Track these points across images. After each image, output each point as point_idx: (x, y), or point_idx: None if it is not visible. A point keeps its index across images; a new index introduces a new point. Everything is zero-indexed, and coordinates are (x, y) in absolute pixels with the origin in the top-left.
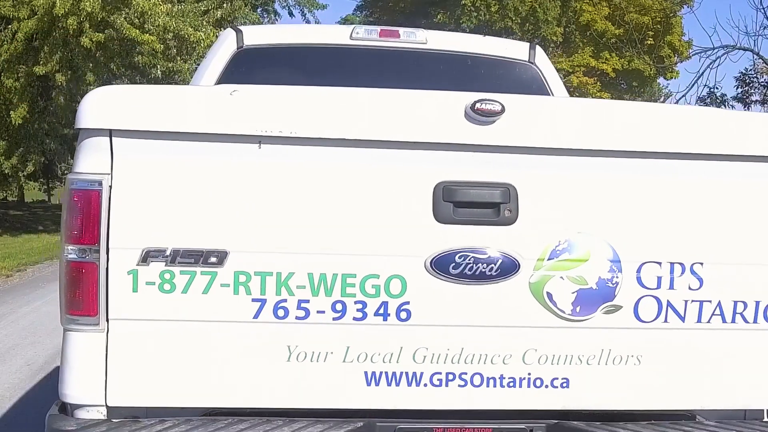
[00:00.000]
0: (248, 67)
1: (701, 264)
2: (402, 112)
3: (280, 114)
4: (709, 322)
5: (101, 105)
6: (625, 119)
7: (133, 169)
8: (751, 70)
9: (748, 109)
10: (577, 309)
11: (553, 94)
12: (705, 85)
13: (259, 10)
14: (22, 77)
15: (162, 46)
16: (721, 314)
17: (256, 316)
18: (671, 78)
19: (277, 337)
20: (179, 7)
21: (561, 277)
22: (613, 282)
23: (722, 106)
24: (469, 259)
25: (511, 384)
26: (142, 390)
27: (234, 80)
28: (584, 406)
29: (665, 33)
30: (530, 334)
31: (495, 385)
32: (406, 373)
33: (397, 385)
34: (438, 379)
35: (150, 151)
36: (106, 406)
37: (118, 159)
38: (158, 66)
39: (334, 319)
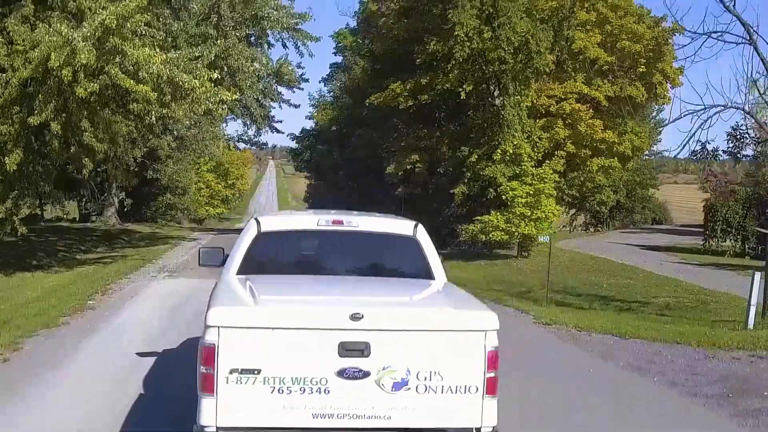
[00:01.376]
0: (264, 243)
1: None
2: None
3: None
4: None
5: (215, 316)
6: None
7: (227, 338)
8: (742, 125)
9: (738, 162)
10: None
11: (427, 258)
12: (698, 141)
13: (252, 37)
14: (16, 122)
15: (156, 93)
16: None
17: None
18: (663, 104)
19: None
20: (174, 54)
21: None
22: (403, 379)
23: (714, 160)
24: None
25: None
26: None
27: (257, 252)
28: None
29: (657, 60)
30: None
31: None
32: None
33: None
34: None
35: (232, 333)
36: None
37: (222, 336)
38: (153, 112)
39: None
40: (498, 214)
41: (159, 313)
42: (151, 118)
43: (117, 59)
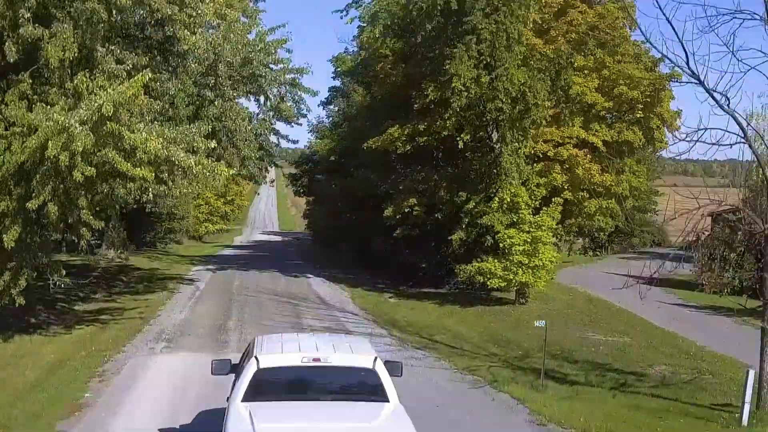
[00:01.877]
0: (261, 375)
1: None
2: None
3: None
4: None
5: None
6: None
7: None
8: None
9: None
10: None
11: (383, 385)
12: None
13: (252, 99)
14: (14, 199)
15: (153, 173)
16: None
17: None
18: (660, 148)
19: None
20: (171, 133)
21: None
22: None
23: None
24: None
25: None
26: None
27: (256, 382)
28: None
29: (654, 104)
30: None
31: None
32: None
33: None
34: None
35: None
36: None
37: None
38: (150, 189)
39: None
40: (495, 261)
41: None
42: (148, 195)
43: (115, 140)
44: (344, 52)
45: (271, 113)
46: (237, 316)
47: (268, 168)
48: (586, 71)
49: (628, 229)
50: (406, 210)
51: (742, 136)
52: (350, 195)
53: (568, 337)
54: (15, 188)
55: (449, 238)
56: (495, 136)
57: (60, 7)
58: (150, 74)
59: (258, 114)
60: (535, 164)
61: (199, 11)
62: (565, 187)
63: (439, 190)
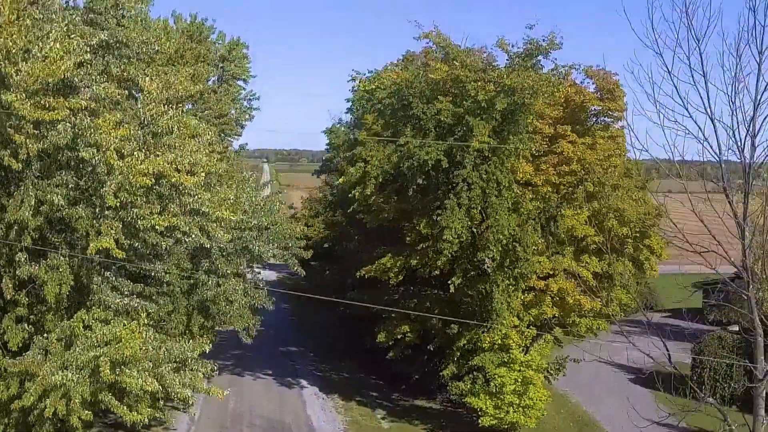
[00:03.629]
0: None
1: None
2: None
3: None
4: None
5: None
6: None
7: None
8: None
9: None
10: None
11: None
12: None
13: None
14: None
15: (149, 411)
16: None
17: None
18: (652, 275)
19: None
20: (167, 371)
21: None
22: None
23: None
24: None
25: None
26: None
27: None
28: None
29: (644, 237)
30: None
31: None
32: None
33: None
34: None
35: None
36: None
37: None
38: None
39: None
40: (487, 398)
41: None
42: (143, 419)
43: (111, 387)
44: (338, 122)
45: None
46: None
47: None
48: (575, 203)
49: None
50: (399, 337)
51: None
52: (344, 288)
53: None
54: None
55: (440, 372)
56: (486, 280)
57: (57, 231)
58: (149, 308)
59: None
60: (525, 294)
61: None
62: (557, 316)
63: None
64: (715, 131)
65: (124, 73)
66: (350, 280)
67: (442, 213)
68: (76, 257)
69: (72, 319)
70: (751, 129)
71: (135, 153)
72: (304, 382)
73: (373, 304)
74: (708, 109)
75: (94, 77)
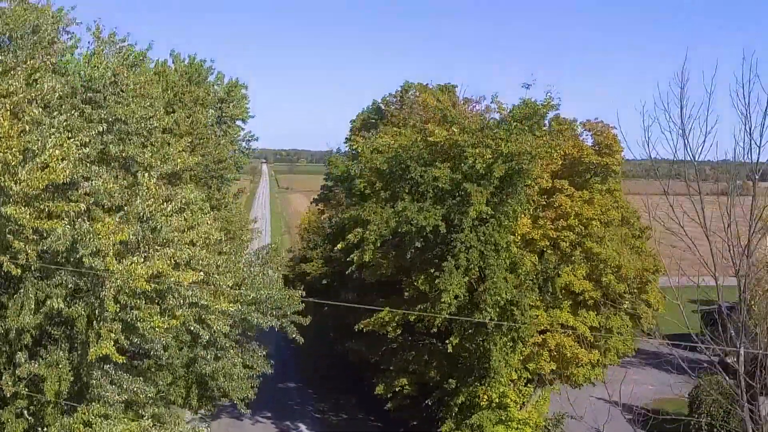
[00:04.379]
0: None
1: None
2: None
3: None
4: None
5: None
6: None
7: None
8: None
9: None
10: None
11: None
12: None
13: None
14: None
15: None
16: None
17: None
18: (649, 329)
19: None
20: None
21: None
22: None
23: None
24: None
25: None
26: None
27: None
28: None
29: (641, 292)
30: None
31: None
32: None
33: None
34: None
35: None
36: None
37: None
38: None
39: None
40: None
41: None
42: None
43: None
44: (337, 151)
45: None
46: None
47: None
48: (573, 257)
49: None
50: (397, 389)
51: None
52: (342, 326)
53: None
54: None
55: (439, 430)
56: (485, 338)
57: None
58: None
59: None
60: (523, 348)
61: None
62: (553, 370)
63: (430, 370)
64: (711, 249)
65: (123, 153)
66: (350, 296)
67: (440, 276)
68: (76, 353)
69: (72, 419)
70: (746, 249)
71: (134, 258)
72: (302, 427)
73: (371, 353)
74: (704, 226)
75: (93, 170)
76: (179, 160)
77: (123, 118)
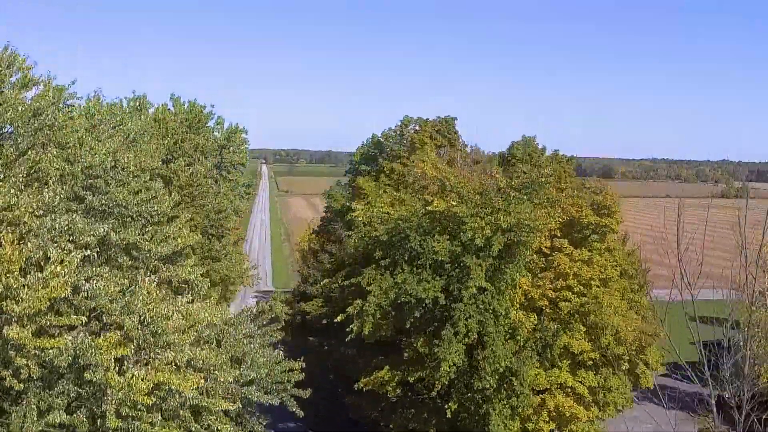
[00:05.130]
0: None
1: None
2: None
3: None
4: None
5: None
6: None
7: None
8: None
9: None
10: None
11: None
12: None
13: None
14: None
15: None
16: None
17: None
18: (646, 386)
19: None
20: None
21: None
22: None
23: None
24: None
25: None
26: None
27: None
28: None
29: (640, 353)
30: None
31: None
32: None
33: None
34: None
35: None
36: None
37: None
38: None
39: None
40: None
41: None
42: None
43: None
44: (337, 184)
45: None
46: None
47: None
48: (573, 315)
49: None
50: None
51: None
52: (342, 376)
53: None
54: None
55: None
56: (484, 403)
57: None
58: None
59: None
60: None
61: None
62: (553, 430)
63: (430, 427)
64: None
65: (124, 242)
66: (350, 351)
67: (439, 344)
68: None
69: None
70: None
71: (135, 372)
72: None
73: (371, 409)
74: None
75: (93, 271)
76: (180, 240)
77: (124, 204)
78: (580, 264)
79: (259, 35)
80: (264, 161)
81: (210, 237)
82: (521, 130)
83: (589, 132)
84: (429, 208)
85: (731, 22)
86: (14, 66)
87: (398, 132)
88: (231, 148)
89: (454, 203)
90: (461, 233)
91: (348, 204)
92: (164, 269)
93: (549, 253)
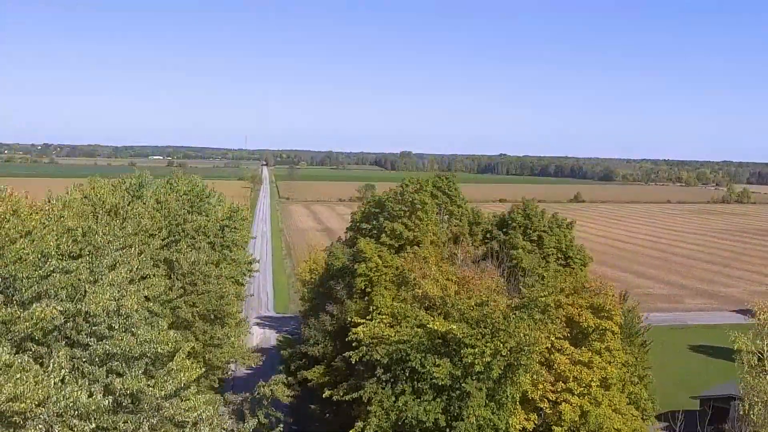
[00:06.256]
0: None
1: None
2: None
3: None
4: None
5: None
6: None
7: None
8: None
9: None
10: None
11: None
12: None
13: None
14: None
15: None
16: None
17: None
18: None
19: None
20: None
21: None
22: None
23: None
24: None
25: None
26: None
27: None
28: None
29: None
30: None
31: None
32: None
33: None
34: None
35: None
36: None
37: None
38: None
39: None
40: None
41: None
42: None
43: None
44: (338, 240)
45: None
46: None
47: None
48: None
49: None
50: None
51: None
52: None
53: None
54: None
55: None
56: None
57: None
58: None
59: None
60: None
61: None
62: None
63: None
64: None
65: (128, 390)
66: None
67: None
68: None
69: None
70: None
71: None
72: None
73: None
74: None
75: None
76: (182, 374)
77: (128, 349)
78: (581, 367)
79: (259, 35)
80: (265, 163)
81: (212, 322)
82: (521, 130)
83: (589, 132)
84: (429, 326)
85: (731, 22)
86: None
87: (399, 193)
88: (232, 228)
89: (453, 326)
90: (461, 357)
91: (348, 262)
92: (167, 406)
93: (549, 352)
